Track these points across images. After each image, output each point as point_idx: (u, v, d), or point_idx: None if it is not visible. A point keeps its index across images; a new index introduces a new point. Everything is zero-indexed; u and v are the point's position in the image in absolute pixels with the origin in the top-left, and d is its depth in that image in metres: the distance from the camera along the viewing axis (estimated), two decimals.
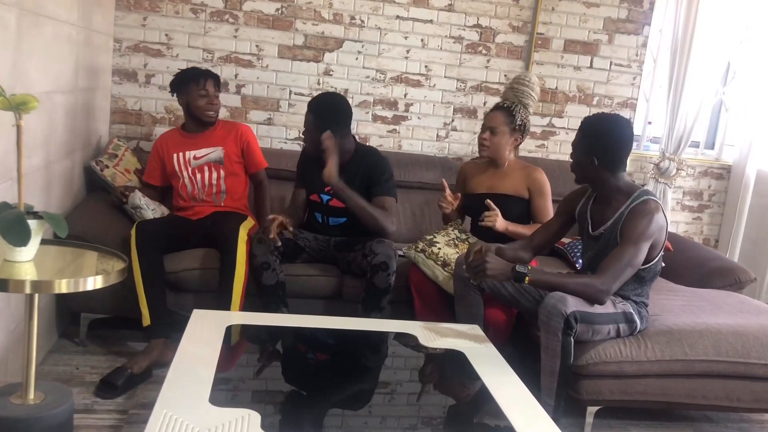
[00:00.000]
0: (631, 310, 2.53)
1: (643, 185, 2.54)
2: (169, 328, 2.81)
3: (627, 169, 4.16)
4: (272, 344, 2.58)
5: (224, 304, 2.82)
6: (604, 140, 2.49)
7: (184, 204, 3.25)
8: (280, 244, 2.83)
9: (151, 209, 3.11)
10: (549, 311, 2.37)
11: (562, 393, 2.43)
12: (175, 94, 3.23)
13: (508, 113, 3.06)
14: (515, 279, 2.43)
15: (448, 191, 3.08)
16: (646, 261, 2.47)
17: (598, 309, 2.44)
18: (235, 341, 2.45)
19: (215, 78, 3.21)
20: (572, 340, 2.39)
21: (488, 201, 2.96)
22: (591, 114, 2.61)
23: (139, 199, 3.09)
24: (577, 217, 2.70)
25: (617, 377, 2.55)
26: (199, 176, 3.21)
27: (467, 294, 2.73)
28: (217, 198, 3.23)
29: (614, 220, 2.49)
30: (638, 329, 2.56)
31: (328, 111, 2.96)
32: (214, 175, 3.22)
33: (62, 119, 2.89)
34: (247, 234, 2.98)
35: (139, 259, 2.80)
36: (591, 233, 2.60)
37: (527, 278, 2.41)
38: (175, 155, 3.22)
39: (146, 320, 2.81)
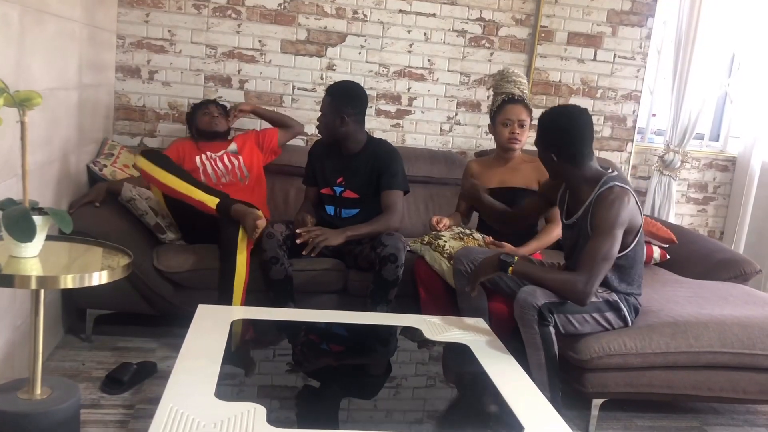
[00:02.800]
0: (617, 299, 2.52)
1: (609, 170, 2.49)
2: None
3: (631, 160, 4.15)
4: (278, 339, 2.59)
5: (224, 303, 2.82)
6: (559, 135, 2.46)
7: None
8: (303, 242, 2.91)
9: (144, 198, 3.11)
10: (521, 305, 2.39)
11: (556, 384, 2.43)
12: (189, 126, 3.53)
13: (526, 106, 3.06)
14: (500, 268, 2.46)
15: (435, 221, 3.05)
16: (622, 248, 2.42)
17: None
18: (242, 336, 2.46)
19: (217, 104, 3.51)
20: (551, 330, 2.39)
21: (488, 240, 2.96)
22: (546, 109, 2.58)
23: (130, 191, 3.08)
24: (558, 205, 2.69)
25: (622, 370, 2.55)
26: (220, 164, 3.36)
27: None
28: (242, 176, 3.36)
29: (584, 209, 2.47)
30: (629, 317, 2.55)
31: (344, 93, 3.04)
32: (235, 162, 3.38)
33: (66, 116, 2.89)
34: (246, 235, 2.91)
35: (165, 169, 2.88)
36: (565, 222, 2.60)
37: (510, 268, 2.43)
38: (196, 157, 3.38)
39: (212, 202, 2.86)
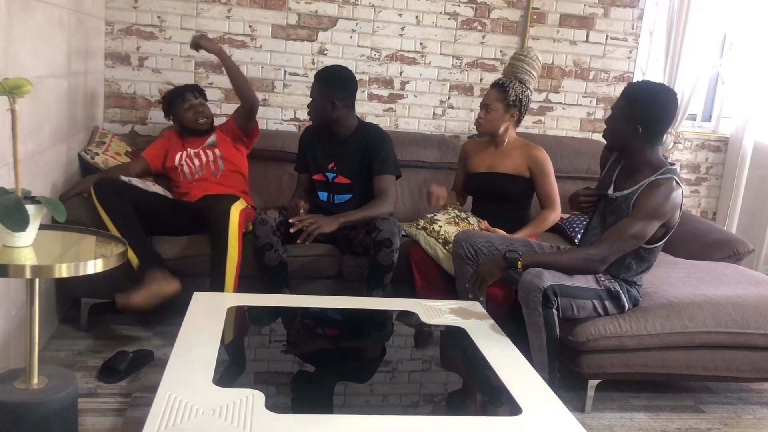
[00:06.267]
0: (618, 289, 2.53)
1: (672, 164, 2.49)
2: (161, 263, 2.83)
3: None
4: (274, 325, 2.59)
5: (218, 289, 2.81)
6: (654, 110, 2.40)
7: (183, 189, 3.26)
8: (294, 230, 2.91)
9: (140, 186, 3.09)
10: (526, 287, 2.39)
11: (555, 366, 2.45)
12: (171, 118, 3.39)
13: (501, 89, 3.03)
14: (508, 266, 2.46)
15: (434, 189, 3.08)
16: (653, 241, 2.45)
17: (577, 282, 2.45)
18: (239, 323, 2.45)
19: (193, 88, 3.34)
20: (554, 312, 2.40)
21: (484, 224, 2.96)
22: (635, 81, 2.55)
23: (123, 179, 3.05)
24: (603, 175, 2.67)
25: (618, 351, 2.56)
26: (196, 161, 3.27)
27: (466, 271, 2.73)
28: (216, 170, 3.26)
29: (633, 189, 2.46)
30: (627, 309, 2.57)
31: (334, 78, 3.03)
32: (210, 155, 3.29)
33: (56, 104, 2.86)
34: (239, 215, 2.93)
35: (106, 211, 2.80)
36: (608, 195, 2.57)
37: (520, 263, 2.44)
38: (177, 154, 3.30)
39: (134, 261, 2.78)
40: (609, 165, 2.66)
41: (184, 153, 3.30)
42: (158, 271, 2.79)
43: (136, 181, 3.11)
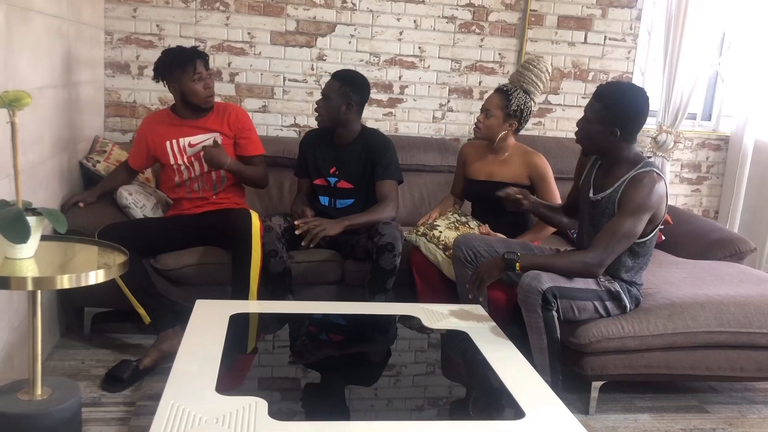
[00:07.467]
0: (619, 289, 2.52)
1: (648, 157, 2.50)
2: (173, 317, 2.80)
3: None
4: (277, 331, 2.59)
5: (241, 296, 2.79)
6: (631, 112, 2.42)
7: (180, 193, 3.10)
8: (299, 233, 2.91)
9: (139, 207, 3.08)
10: (525, 290, 2.39)
11: (557, 368, 2.45)
12: (164, 82, 2.99)
13: (505, 97, 2.99)
14: (506, 267, 2.46)
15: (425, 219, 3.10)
16: (642, 235, 2.45)
17: (577, 284, 2.45)
18: (242, 330, 2.45)
19: (204, 57, 2.98)
20: (554, 314, 2.40)
21: (485, 228, 2.97)
22: (605, 83, 2.56)
23: (126, 198, 3.06)
24: (581, 182, 2.68)
25: (621, 352, 2.56)
26: (197, 165, 3.04)
27: (466, 274, 2.73)
28: (218, 185, 3.09)
29: (615, 188, 2.46)
30: (629, 309, 2.57)
31: (354, 80, 3.02)
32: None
33: (56, 114, 2.87)
34: (258, 219, 2.90)
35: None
36: (590, 198, 2.57)
37: (518, 264, 2.44)
38: (168, 143, 3.03)
39: (146, 319, 2.79)
40: (587, 170, 2.66)
41: (176, 145, 3.01)
42: (171, 330, 2.77)
43: (136, 196, 3.10)
